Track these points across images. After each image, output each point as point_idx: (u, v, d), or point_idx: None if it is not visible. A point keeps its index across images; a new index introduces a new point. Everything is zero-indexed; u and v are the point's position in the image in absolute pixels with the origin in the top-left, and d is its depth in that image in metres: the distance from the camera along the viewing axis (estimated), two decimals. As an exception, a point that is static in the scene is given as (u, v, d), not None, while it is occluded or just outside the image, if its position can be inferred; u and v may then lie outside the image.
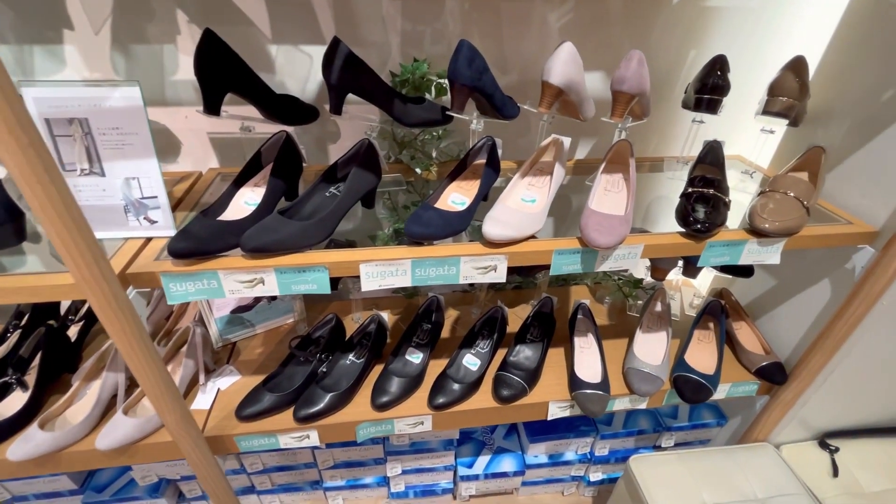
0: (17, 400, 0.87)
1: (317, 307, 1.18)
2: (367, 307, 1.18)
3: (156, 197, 0.69)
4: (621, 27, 0.96)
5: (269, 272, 0.67)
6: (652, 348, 1.03)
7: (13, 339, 1.01)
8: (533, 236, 0.74)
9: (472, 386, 0.95)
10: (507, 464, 1.22)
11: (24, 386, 0.88)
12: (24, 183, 0.49)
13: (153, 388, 0.70)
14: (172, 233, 0.71)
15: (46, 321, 1.05)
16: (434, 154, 0.98)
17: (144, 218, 0.70)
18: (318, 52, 0.90)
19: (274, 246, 0.66)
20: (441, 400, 0.91)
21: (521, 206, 0.78)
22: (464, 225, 0.74)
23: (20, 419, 0.85)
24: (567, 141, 0.82)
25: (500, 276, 0.73)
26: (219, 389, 0.95)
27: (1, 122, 0.45)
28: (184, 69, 0.89)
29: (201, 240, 0.65)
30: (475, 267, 0.72)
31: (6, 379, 0.88)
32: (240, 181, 0.76)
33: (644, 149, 1.13)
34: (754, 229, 0.77)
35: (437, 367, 1.00)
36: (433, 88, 0.92)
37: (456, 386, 0.93)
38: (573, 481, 1.32)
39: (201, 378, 0.93)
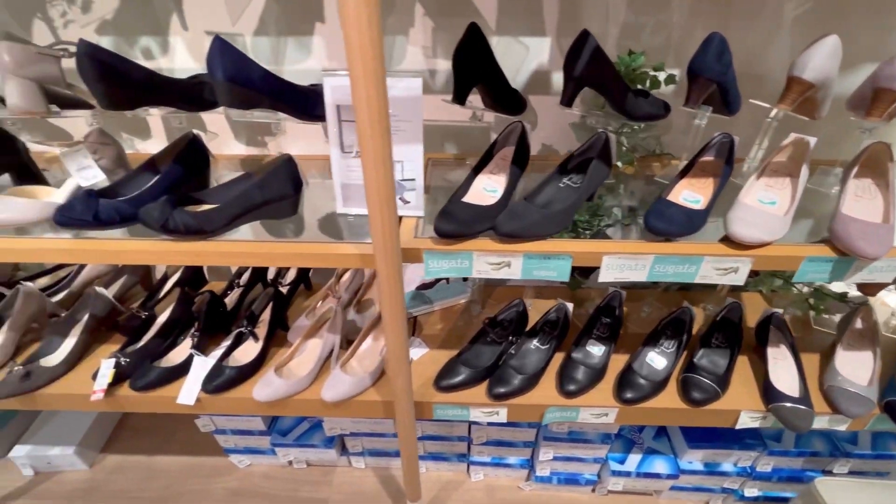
0: (251, 349, 1.01)
1: (483, 290, 1.23)
2: (529, 294, 1.21)
3: (413, 179, 0.75)
4: (859, 19, 0.88)
5: (517, 256, 0.71)
6: (856, 367, 0.96)
7: (235, 294, 1.16)
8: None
9: (659, 384, 0.95)
10: (660, 465, 1.21)
11: (255, 337, 1.01)
12: (371, 162, 0.56)
13: (397, 351, 0.77)
14: (421, 213, 0.78)
15: (260, 282, 1.20)
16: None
17: (400, 198, 0.77)
18: (535, 43, 0.92)
19: (523, 232, 0.70)
20: (629, 395, 0.92)
21: (762, 207, 0.75)
22: (701, 224, 0.73)
23: (254, 365, 0.98)
24: (813, 141, 0.77)
25: (740, 279, 0.72)
26: (411, 360, 1.03)
27: (373, 112, 0.51)
28: (410, 59, 0.95)
29: (463, 222, 0.70)
30: (717, 268, 0.71)
31: (241, 329, 1.02)
32: (478, 168, 0.81)
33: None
34: None
35: (616, 361, 1.01)
36: (647, 81, 0.91)
37: (643, 382, 0.93)
38: (722, 493, 1.27)
39: (400, 347, 1.02)
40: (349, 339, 1.03)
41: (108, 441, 1.47)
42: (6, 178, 0.82)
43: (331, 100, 0.71)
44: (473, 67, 0.77)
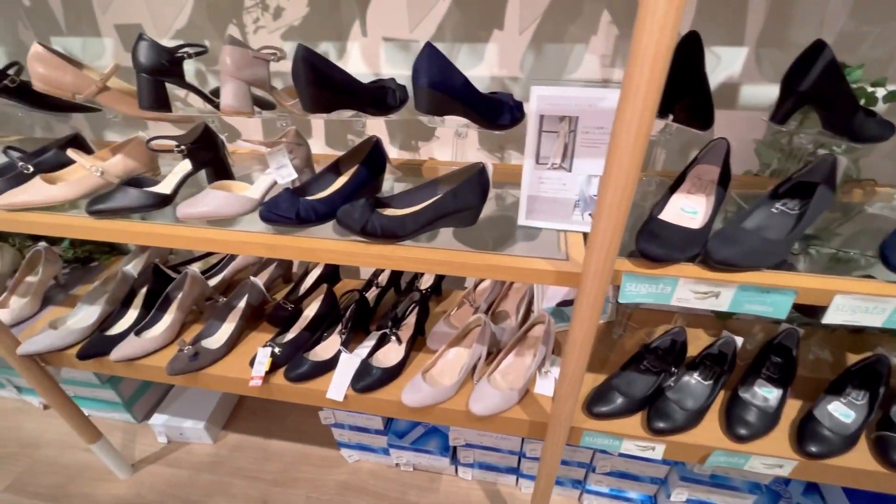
0: (394, 351, 1.02)
1: (618, 310, 1.17)
2: (678, 321, 1.13)
3: (609, 196, 0.71)
4: None
5: (729, 287, 0.64)
6: None
7: (372, 294, 1.18)
8: None
9: (848, 440, 0.83)
10: (815, 527, 1.08)
11: (399, 339, 1.02)
12: (613, 185, 0.52)
13: (574, 375, 0.74)
14: (610, 231, 0.73)
15: (397, 283, 1.21)
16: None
17: (589, 213, 0.74)
18: (728, 53, 0.85)
19: (740, 260, 0.64)
20: (814, 448, 0.82)
21: None
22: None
23: (398, 368, 0.99)
24: None
25: None
26: (555, 378, 0.99)
27: (638, 133, 0.48)
28: (584, 68, 0.91)
29: (672, 245, 0.65)
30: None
31: (386, 331, 1.03)
32: (674, 187, 0.75)
33: None
34: None
35: (789, 406, 0.90)
36: (863, 98, 0.81)
37: (830, 435, 0.83)
38: (885, 568, 1.11)
39: (546, 364, 0.98)
40: (488, 351, 1.01)
41: (228, 419, 1.56)
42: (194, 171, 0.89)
43: (535, 109, 0.68)
44: (685, 79, 0.72)
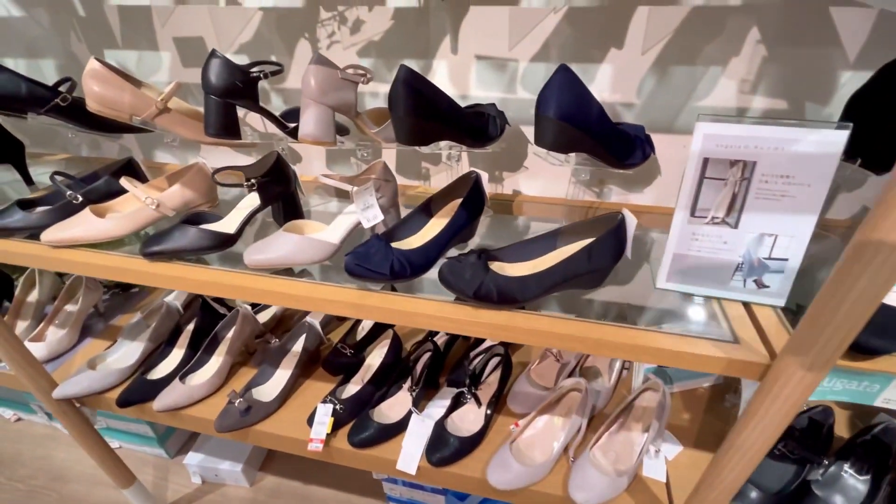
0: (473, 414, 0.88)
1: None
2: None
3: (786, 260, 0.57)
4: None
5: (966, 391, 0.49)
6: None
7: (441, 339, 1.05)
8: None
9: None
10: None
11: (478, 401, 0.88)
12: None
13: (726, 486, 0.58)
14: (782, 303, 0.59)
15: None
16: None
17: (754, 280, 0.59)
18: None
19: (982, 357, 0.48)
20: None
21: None
22: None
23: (478, 436, 0.85)
24: None
25: None
26: (666, 458, 0.83)
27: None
28: (717, 95, 0.77)
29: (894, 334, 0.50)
30: None
31: (463, 390, 0.89)
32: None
33: None
34: None
35: (970, 513, 0.73)
36: None
37: None
38: None
39: (658, 441, 0.83)
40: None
41: (265, 460, 1.44)
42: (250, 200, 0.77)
43: (699, 149, 0.54)
44: (881, 116, 0.57)
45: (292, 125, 0.80)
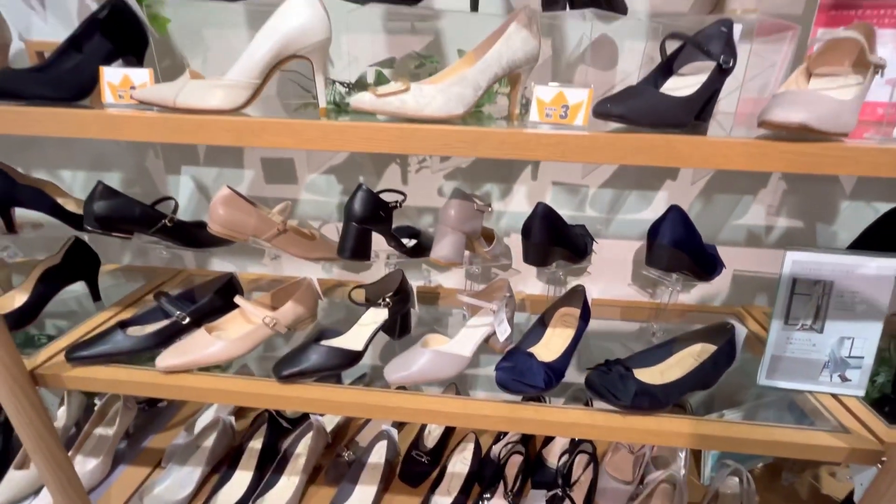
0: (571, 517, 0.89)
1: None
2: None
3: (862, 357, 0.70)
4: None
5: None
6: None
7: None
8: None
9: None
10: None
11: (573, 502, 0.90)
12: None
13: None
14: (862, 393, 0.71)
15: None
16: None
17: (839, 375, 0.71)
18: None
19: None
20: None
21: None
22: None
23: (581, 540, 0.86)
24: None
25: None
26: (755, 544, 0.88)
27: None
28: (750, 215, 0.96)
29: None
30: None
31: (557, 492, 0.91)
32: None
33: None
34: None
35: None
36: None
37: None
38: None
39: (747, 529, 0.88)
40: None
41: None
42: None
43: (788, 272, 0.69)
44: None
45: (408, 244, 0.86)
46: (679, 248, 0.71)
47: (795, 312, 0.70)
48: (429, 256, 0.76)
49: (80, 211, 0.92)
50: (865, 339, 0.69)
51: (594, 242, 0.88)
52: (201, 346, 0.73)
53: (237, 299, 0.78)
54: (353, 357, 0.73)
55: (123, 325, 0.78)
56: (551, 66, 0.88)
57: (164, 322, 0.79)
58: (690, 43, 0.54)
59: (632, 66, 0.86)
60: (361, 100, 0.53)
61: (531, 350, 0.73)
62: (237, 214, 0.78)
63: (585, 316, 0.77)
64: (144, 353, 0.74)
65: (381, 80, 0.74)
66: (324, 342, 0.74)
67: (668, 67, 0.60)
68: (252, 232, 0.80)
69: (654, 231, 0.72)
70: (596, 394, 0.65)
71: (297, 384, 0.70)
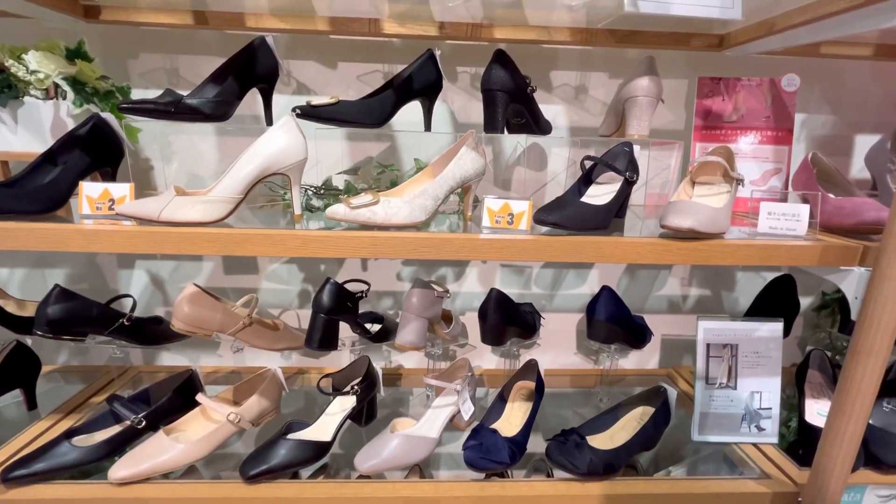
0: None
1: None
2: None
3: (770, 408, 0.82)
4: None
5: (905, 489, 0.74)
6: None
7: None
8: None
9: None
10: None
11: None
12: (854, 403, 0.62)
13: None
14: (775, 440, 0.82)
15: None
16: None
17: (755, 426, 0.82)
18: (770, 276, 1.12)
19: (903, 463, 0.75)
20: None
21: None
22: None
23: None
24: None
25: None
26: None
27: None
28: (668, 287, 1.11)
29: None
30: None
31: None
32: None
33: None
34: None
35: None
36: None
37: None
38: None
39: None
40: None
41: None
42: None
43: (702, 339, 0.81)
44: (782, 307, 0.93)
45: (372, 329, 0.90)
46: (613, 322, 0.82)
47: (713, 373, 0.82)
48: (393, 342, 0.81)
49: (22, 312, 0.89)
50: (770, 391, 0.82)
51: (541, 318, 0.98)
52: (159, 450, 0.71)
53: (199, 397, 0.77)
54: (322, 449, 0.74)
55: (69, 434, 0.73)
56: (493, 168, 1.02)
57: (117, 428, 0.75)
58: (601, 163, 0.69)
59: (559, 167, 1.02)
60: (336, 211, 0.61)
61: (494, 426, 0.78)
62: (202, 311, 0.80)
63: (540, 389, 0.84)
64: (95, 464, 0.70)
65: (350, 190, 0.82)
66: (291, 435, 0.74)
67: (587, 178, 0.74)
68: (217, 327, 0.81)
69: (591, 309, 0.83)
70: (556, 464, 0.70)
71: (267, 483, 0.69)
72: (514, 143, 1.00)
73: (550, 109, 0.99)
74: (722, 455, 0.83)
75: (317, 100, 0.71)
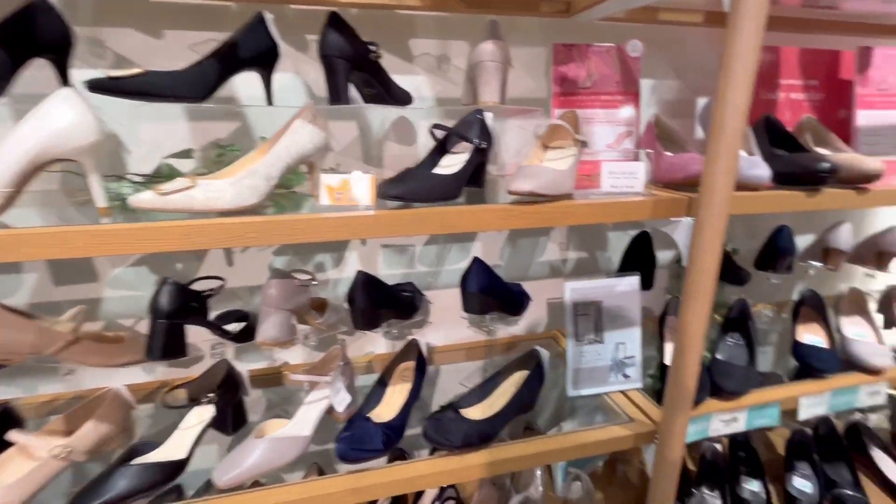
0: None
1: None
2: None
3: (633, 356, 0.88)
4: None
5: (742, 411, 0.84)
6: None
7: None
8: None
9: None
10: None
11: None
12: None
13: (661, 530, 0.79)
14: (640, 385, 0.88)
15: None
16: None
17: (622, 374, 0.88)
18: (637, 234, 1.20)
19: (740, 387, 0.84)
20: (810, 524, 1.00)
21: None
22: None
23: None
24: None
25: (882, 398, 0.92)
26: (602, 538, 0.99)
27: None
28: (548, 252, 1.15)
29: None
30: (868, 392, 0.91)
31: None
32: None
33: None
34: None
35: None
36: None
37: (810, 509, 1.03)
38: None
39: (593, 527, 0.99)
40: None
41: None
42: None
43: (570, 299, 0.84)
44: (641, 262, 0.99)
45: (230, 330, 0.82)
46: (485, 293, 0.82)
47: (581, 330, 0.86)
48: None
49: None
50: (632, 340, 0.88)
51: (422, 297, 0.96)
52: (-42, 507, 0.59)
53: (13, 435, 0.65)
54: (174, 468, 0.66)
55: None
56: (361, 145, 0.97)
57: None
58: (451, 133, 0.67)
59: (430, 140, 0.99)
60: (141, 199, 0.52)
61: (372, 413, 0.75)
62: (8, 333, 0.66)
63: (422, 367, 0.83)
64: None
65: (171, 173, 0.72)
66: (135, 461, 0.65)
67: (442, 148, 0.72)
68: (30, 350, 0.68)
69: (463, 282, 0.82)
70: (433, 442, 0.69)
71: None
72: (380, 116, 0.95)
73: (413, 80, 0.95)
74: (595, 407, 0.88)
75: (118, 72, 0.60)
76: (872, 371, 0.92)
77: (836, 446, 1.21)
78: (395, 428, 0.71)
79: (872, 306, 1.16)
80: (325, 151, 0.66)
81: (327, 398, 0.74)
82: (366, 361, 1.01)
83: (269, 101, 0.73)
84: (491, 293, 0.83)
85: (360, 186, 0.58)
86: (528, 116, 0.97)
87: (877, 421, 1.36)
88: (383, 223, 0.57)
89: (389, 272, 1.06)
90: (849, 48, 1.02)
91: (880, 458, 1.18)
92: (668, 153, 0.80)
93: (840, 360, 0.95)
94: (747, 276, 1.09)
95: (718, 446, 1.15)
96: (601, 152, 0.92)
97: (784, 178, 0.75)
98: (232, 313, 0.85)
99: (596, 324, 0.86)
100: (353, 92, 0.76)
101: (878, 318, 1.17)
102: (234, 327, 0.82)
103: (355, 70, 0.69)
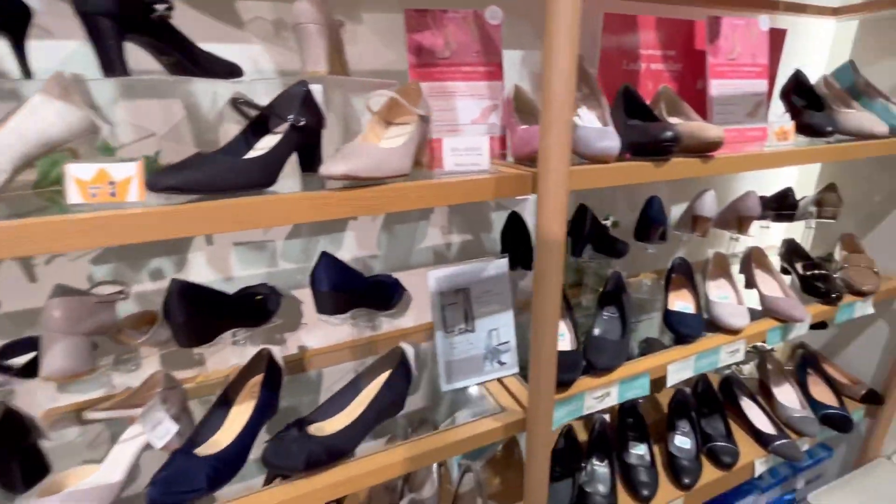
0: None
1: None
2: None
3: (507, 342, 0.84)
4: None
5: (614, 385, 0.83)
6: (789, 398, 1.30)
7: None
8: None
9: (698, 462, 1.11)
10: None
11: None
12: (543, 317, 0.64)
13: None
14: (516, 370, 0.85)
15: None
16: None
17: (497, 362, 0.84)
18: (522, 212, 1.17)
19: (612, 362, 0.84)
20: (687, 480, 1.06)
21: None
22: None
23: None
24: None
25: (741, 356, 0.98)
26: (496, 526, 0.97)
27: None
28: (430, 237, 1.08)
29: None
30: (727, 351, 0.96)
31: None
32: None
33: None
34: (859, 293, 1.14)
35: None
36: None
37: (688, 465, 1.09)
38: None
39: (486, 517, 0.96)
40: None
41: None
42: None
43: (435, 288, 0.78)
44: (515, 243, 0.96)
45: (14, 364, 0.66)
46: (340, 290, 0.73)
47: (451, 320, 0.80)
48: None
49: None
50: (505, 325, 0.84)
51: (280, 298, 0.85)
52: None
53: None
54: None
55: None
56: (190, 128, 0.82)
57: None
58: (256, 108, 0.56)
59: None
60: None
61: (206, 443, 0.65)
62: None
63: (274, 380, 0.73)
64: None
65: None
66: None
67: (262, 127, 0.61)
68: None
69: (313, 280, 0.73)
70: (271, 467, 0.60)
71: None
72: (211, 93, 0.81)
73: (249, 49, 0.82)
74: (470, 399, 0.83)
75: None
76: (732, 331, 0.96)
77: (712, 401, 1.29)
78: (227, 459, 0.61)
79: (736, 269, 1.23)
80: (90, 133, 0.53)
81: (143, 434, 0.62)
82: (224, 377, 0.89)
83: (26, 72, 0.57)
84: (346, 289, 0.74)
85: (125, 177, 0.46)
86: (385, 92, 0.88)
87: (749, 371, 1.49)
88: (156, 223, 0.45)
89: (247, 273, 0.94)
90: (702, 19, 1.04)
91: (748, 406, 1.28)
92: (524, 126, 0.75)
93: (704, 323, 0.99)
94: (625, 247, 1.10)
95: (607, 417, 1.18)
96: (466, 127, 0.86)
97: (635, 149, 0.74)
98: (21, 343, 0.69)
99: (466, 312, 0.81)
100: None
101: (741, 280, 1.25)
102: (21, 360, 0.66)
103: (131, 32, 0.55)
